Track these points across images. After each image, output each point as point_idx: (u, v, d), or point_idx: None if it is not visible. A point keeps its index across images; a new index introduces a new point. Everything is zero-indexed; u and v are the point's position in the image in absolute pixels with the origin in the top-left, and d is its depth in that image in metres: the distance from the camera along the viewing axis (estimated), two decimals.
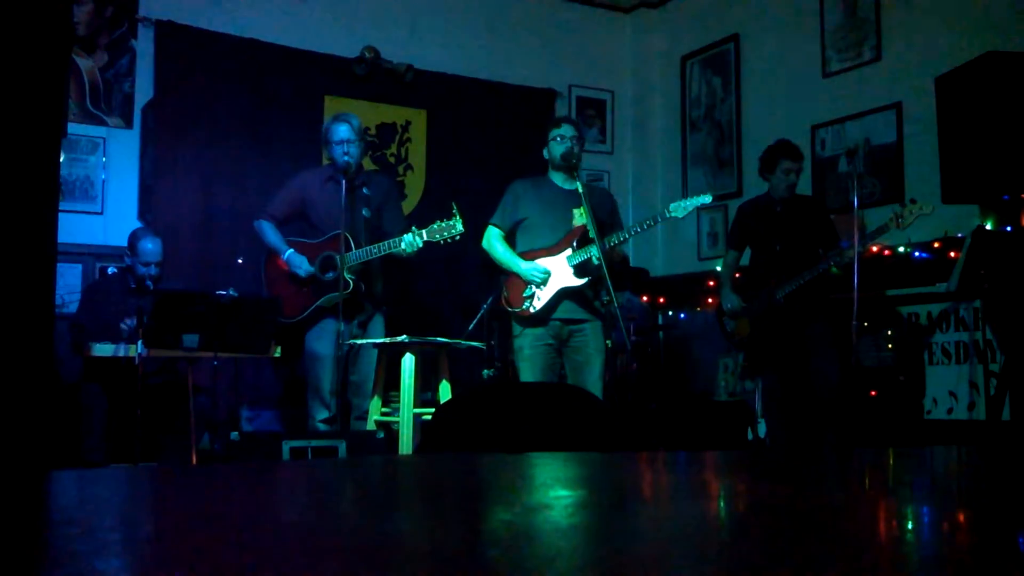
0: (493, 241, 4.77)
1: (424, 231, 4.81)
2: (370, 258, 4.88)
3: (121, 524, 1.04)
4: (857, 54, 6.07)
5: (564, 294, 4.56)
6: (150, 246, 4.98)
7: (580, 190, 4.42)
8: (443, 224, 4.79)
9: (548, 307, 4.57)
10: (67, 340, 4.86)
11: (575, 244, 4.53)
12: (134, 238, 5.04)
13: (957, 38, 5.36)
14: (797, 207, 5.25)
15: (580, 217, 4.56)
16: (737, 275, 5.49)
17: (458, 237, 4.81)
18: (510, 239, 4.78)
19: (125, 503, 1.25)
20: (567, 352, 4.63)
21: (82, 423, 4.66)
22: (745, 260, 5.52)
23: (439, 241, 4.81)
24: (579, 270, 4.52)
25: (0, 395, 1.98)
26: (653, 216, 4.62)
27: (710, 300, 6.45)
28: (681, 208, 4.51)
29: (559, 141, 4.69)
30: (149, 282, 4.91)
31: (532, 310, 4.57)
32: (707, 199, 4.55)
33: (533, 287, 4.58)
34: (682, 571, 0.79)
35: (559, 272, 4.57)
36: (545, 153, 4.77)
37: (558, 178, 4.71)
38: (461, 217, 4.76)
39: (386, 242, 4.86)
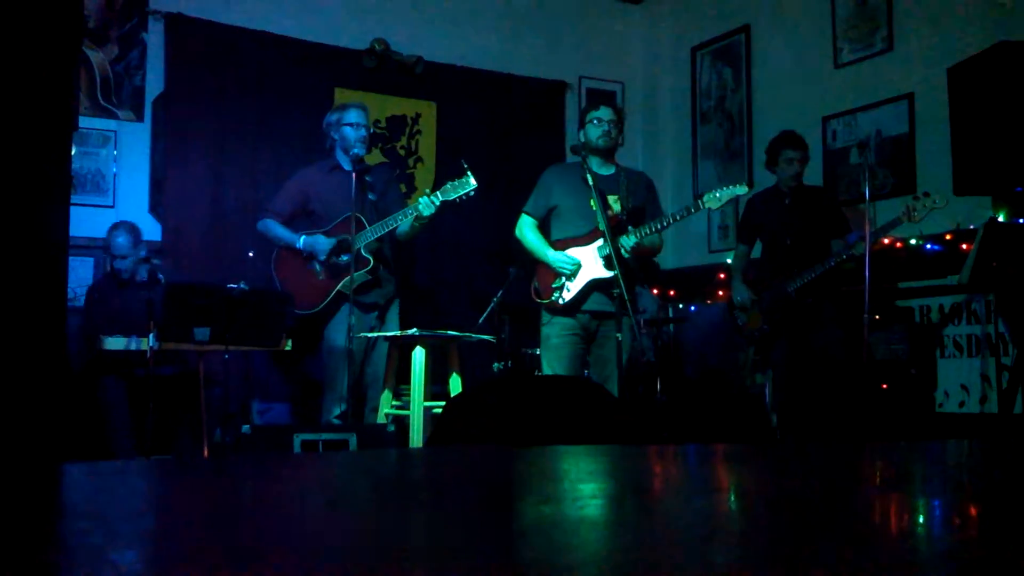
0: (525, 229, 4.68)
1: (439, 191, 4.78)
2: (386, 230, 4.86)
3: (134, 517, 1.04)
4: (868, 45, 6.03)
5: (594, 286, 4.45)
6: (120, 239, 5.01)
7: (589, 180, 4.29)
8: (456, 183, 4.75)
9: (577, 299, 4.47)
10: (78, 335, 4.89)
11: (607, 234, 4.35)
12: (108, 235, 5.07)
13: (969, 28, 5.32)
14: (806, 198, 5.23)
15: (615, 205, 4.46)
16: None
17: (472, 193, 4.76)
18: (544, 227, 4.68)
19: (138, 496, 1.26)
20: (593, 346, 4.55)
21: (97, 416, 4.69)
22: (756, 252, 5.50)
23: (455, 199, 4.77)
24: (609, 261, 4.30)
25: (13, 387, 1.99)
26: (686, 206, 4.53)
27: (720, 293, 6.43)
28: (715, 199, 4.41)
29: (595, 124, 4.57)
30: (160, 275, 4.94)
31: (561, 301, 4.47)
32: (743, 190, 4.45)
33: (563, 278, 4.49)
34: (692, 564, 0.79)
35: (589, 263, 4.46)
36: (581, 136, 4.65)
37: (594, 163, 4.53)
38: (473, 174, 4.71)
39: (401, 211, 4.84)
